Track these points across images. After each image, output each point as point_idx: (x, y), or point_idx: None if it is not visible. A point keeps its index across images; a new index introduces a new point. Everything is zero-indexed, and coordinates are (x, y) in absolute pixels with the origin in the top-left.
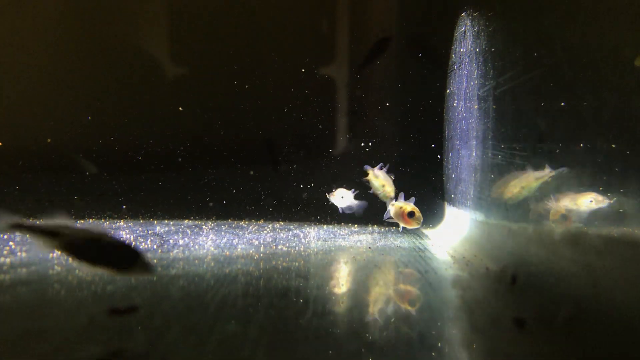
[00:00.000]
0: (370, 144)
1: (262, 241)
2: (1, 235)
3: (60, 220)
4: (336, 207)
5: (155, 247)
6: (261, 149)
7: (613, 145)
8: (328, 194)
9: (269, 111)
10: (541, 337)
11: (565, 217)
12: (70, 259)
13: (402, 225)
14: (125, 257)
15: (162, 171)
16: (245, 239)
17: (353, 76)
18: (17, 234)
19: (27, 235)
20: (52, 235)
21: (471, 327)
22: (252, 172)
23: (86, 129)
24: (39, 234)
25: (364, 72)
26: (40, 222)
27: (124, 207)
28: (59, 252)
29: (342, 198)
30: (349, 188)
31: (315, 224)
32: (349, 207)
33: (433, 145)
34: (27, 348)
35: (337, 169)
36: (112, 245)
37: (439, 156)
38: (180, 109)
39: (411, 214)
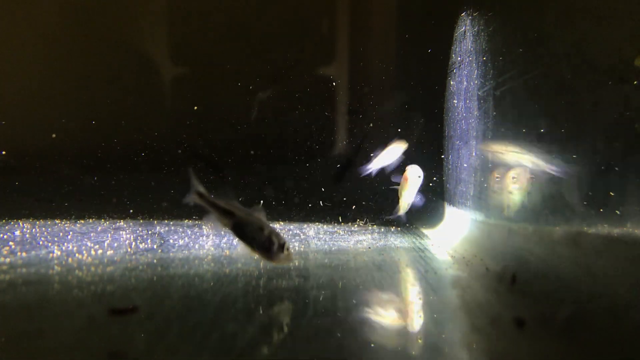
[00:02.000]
0: (369, 143)
1: None
2: (1, 235)
3: (232, 201)
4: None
5: (155, 247)
6: (259, 149)
7: (613, 145)
8: None
9: (269, 111)
10: (541, 337)
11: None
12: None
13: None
14: (274, 246)
15: (162, 171)
16: None
17: (353, 77)
18: (198, 202)
19: (206, 207)
20: (229, 215)
21: (471, 327)
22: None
23: (87, 129)
24: (218, 210)
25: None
26: (217, 200)
27: (125, 207)
28: (227, 230)
29: None
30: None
31: (315, 224)
32: None
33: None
34: (27, 348)
35: (336, 169)
36: (269, 235)
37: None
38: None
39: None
